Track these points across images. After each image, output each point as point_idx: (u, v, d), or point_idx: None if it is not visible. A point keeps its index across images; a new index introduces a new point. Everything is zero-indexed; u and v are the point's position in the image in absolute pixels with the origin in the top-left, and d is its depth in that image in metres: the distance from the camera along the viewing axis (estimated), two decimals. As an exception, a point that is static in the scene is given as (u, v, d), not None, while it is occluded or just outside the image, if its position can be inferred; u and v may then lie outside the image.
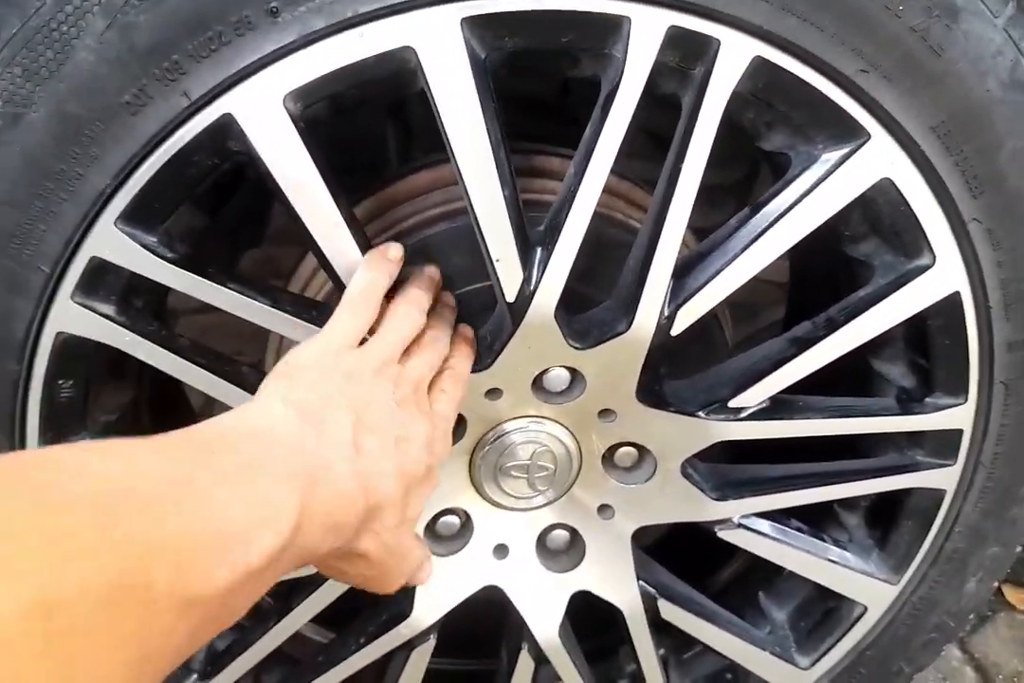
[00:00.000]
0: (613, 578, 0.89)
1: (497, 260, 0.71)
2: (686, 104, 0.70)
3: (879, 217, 0.77)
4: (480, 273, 0.75)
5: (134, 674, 0.36)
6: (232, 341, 1.04)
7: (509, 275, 0.71)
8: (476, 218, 0.69)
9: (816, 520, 0.95)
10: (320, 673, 0.89)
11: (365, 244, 0.70)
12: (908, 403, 0.86)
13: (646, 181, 0.92)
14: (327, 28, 0.63)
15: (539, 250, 0.72)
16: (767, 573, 1.00)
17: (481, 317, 0.77)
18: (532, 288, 0.72)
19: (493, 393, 0.77)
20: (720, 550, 0.92)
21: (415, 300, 0.69)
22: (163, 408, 0.95)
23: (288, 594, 0.87)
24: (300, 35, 0.63)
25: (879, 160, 0.73)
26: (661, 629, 0.92)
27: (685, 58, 0.68)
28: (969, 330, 0.81)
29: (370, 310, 0.65)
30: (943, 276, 0.78)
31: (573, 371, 0.77)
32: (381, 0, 0.62)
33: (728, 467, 0.90)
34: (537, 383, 0.77)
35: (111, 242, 0.67)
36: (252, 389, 0.74)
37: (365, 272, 0.67)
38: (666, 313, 0.75)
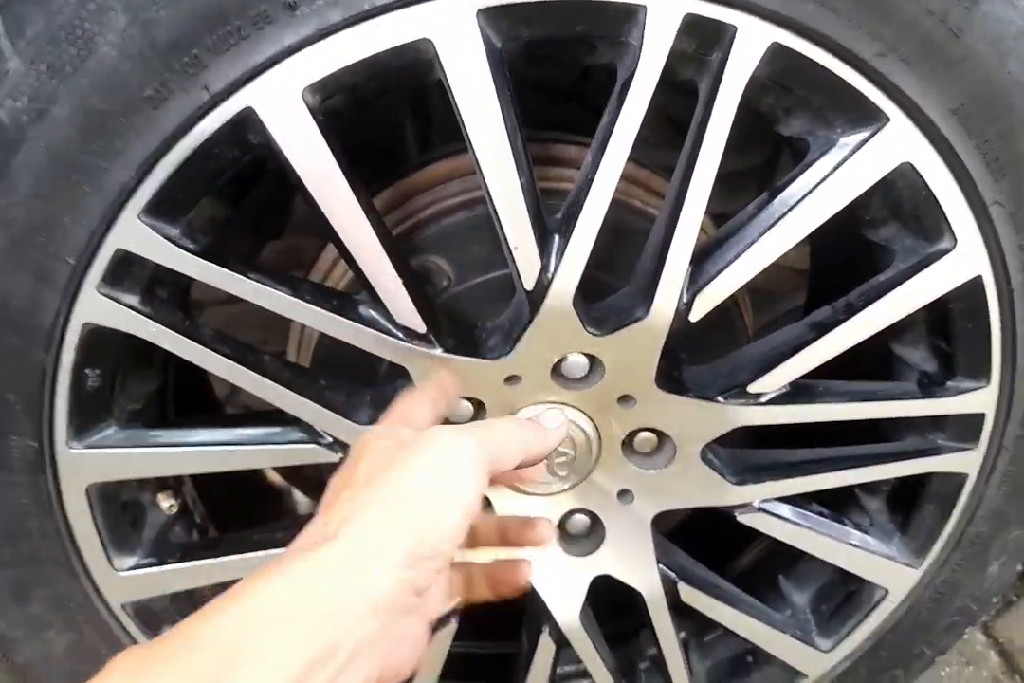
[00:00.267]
0: (633, 562, 0.89)
1: (515, 248, 0.71)
2: (703, 91, 0.70)
3: (899, 201, 0.76)
4: (499, 261, 0.75)
5: None
6: (257, 331, 1.06)
7: (527, 263, 0.72)
8: (493, 206, 0.69)
9: (837, 504, 0.94)
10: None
11: (385, 234, 0.70)
12: (930, 387, 0.86)
13: (665, 169, 0.92)
14: (344, 21, 0.63)
15: (557, 238, 0.72)
16: (788, 557, 1.00)
17: (500, 305, 0.78)
18: (550, 276, 0.72)
19: (512, 380, 0.78)
20: (740, 534, 0.92)
21: None
22: (188, 397, 0.96)
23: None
24: (317, 28, 0.63)
25: (899, 144, 0.72)
26: (681, 612, 0.93)
27: (702, 45, 0.68)
28: (991, 314, 0.80)
29: None
30: (964, 260, 0.77)
31: (592, 358, 0.78)
32: (396, -8, 0.63)
33: (748, 452, 0.90)
34: (556, 370, 0.78)
35: (135, 234, 0.68)
36: (273, 377, 0.76)
37: None
38: (684, 299, 0.75)
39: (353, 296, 0.75)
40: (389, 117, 1.00)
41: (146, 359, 0.80)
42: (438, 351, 0.75)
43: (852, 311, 0.79)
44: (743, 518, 0.88)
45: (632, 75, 0.67)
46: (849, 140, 0.73)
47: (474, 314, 0.81)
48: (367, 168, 0.75)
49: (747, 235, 0.76)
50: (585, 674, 0.95)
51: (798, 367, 0.80)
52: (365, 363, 0.77)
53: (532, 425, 0.62)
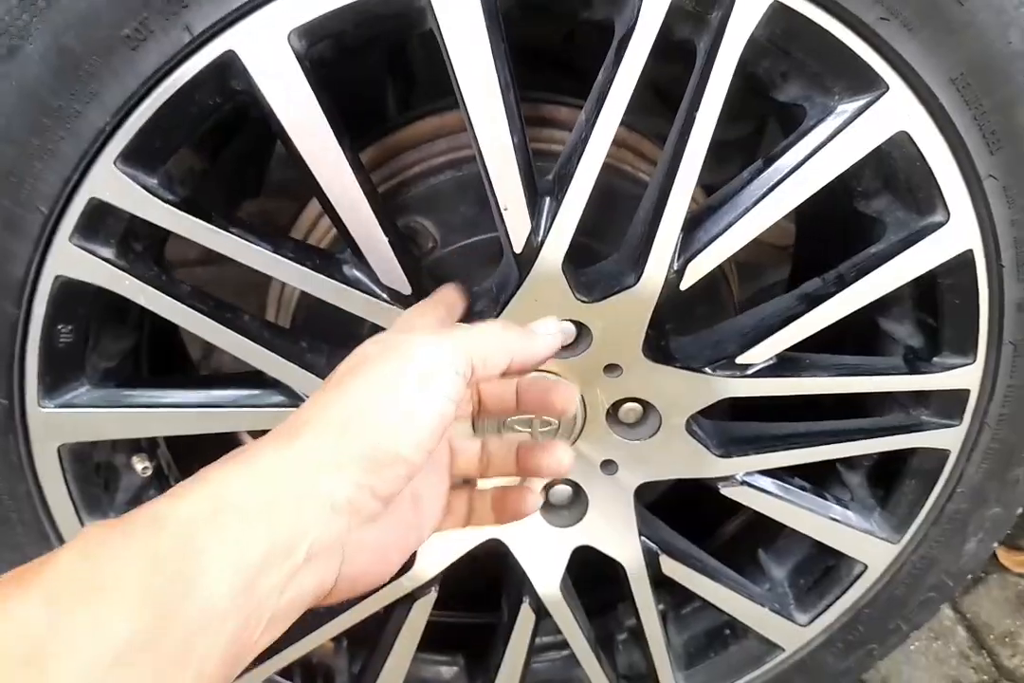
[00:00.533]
0: (615, 533, 0.89)
1: (505, 209, 0.69)
2: (701, 50, 0.68)
3: (894, 172, 0.75)
4: (486, 223, 0.73)
5: None
6: (229, 295, 1.03)
7: (516, 224, 0.70)
8: (484, 164, 0.68)
9: (819, 478, 0.94)
10: (320, 625, 0.89)
11: (371, 191, 0.68)
12: (915, 362, 0.85)
13: (655, 135, 0.91)
14: (335, -38, 0.61)
15: (548, 200, 0.70)
16: (768, 531, 1.00)
17: (487, 269, 0.76)
18: (540, 238, 0.70)
19: (498, 345, 0.76)
20: (721, 507, 0.91)
21: None
22: (162, 359, 0.94)
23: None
24: (306, -32, 0.61)
25: (896, 113, 0.71)
26: (660, 584, 0.92)
27: (702, 2, 0.66)
28: (980, 289, 0.80)
29: None
30: (956, 234, 0.76)
31: (580, 325, 0.76)
32: (391, -65, 0.60)
33: (732, 424, 0.89)
34: (543, 336, 0.76)
35: (111, 183, 0.65)
36: (253, 337, 0.74)
37: None
38: (675, 267, 0.74)
39: (337, 255, 0.73)
40: (372, 71, 0.98)
41: (120, 316, 0.78)
42: (423, 314, 0.72)
43: (842, 284, 0.78)
44: (726, 491, 0.88)
45: (630, 31, 0.65)
46: (847, 107, 0.72)
47: (460, 277, 0.79)
48: (350, 124, 0.73)
49: (740, 202, 0.74)
50: (563, 645, 0.94)
51: (786, 339, 0.80)
52: (346, 324, 0.75)
53: (519, 329, 0.61)
